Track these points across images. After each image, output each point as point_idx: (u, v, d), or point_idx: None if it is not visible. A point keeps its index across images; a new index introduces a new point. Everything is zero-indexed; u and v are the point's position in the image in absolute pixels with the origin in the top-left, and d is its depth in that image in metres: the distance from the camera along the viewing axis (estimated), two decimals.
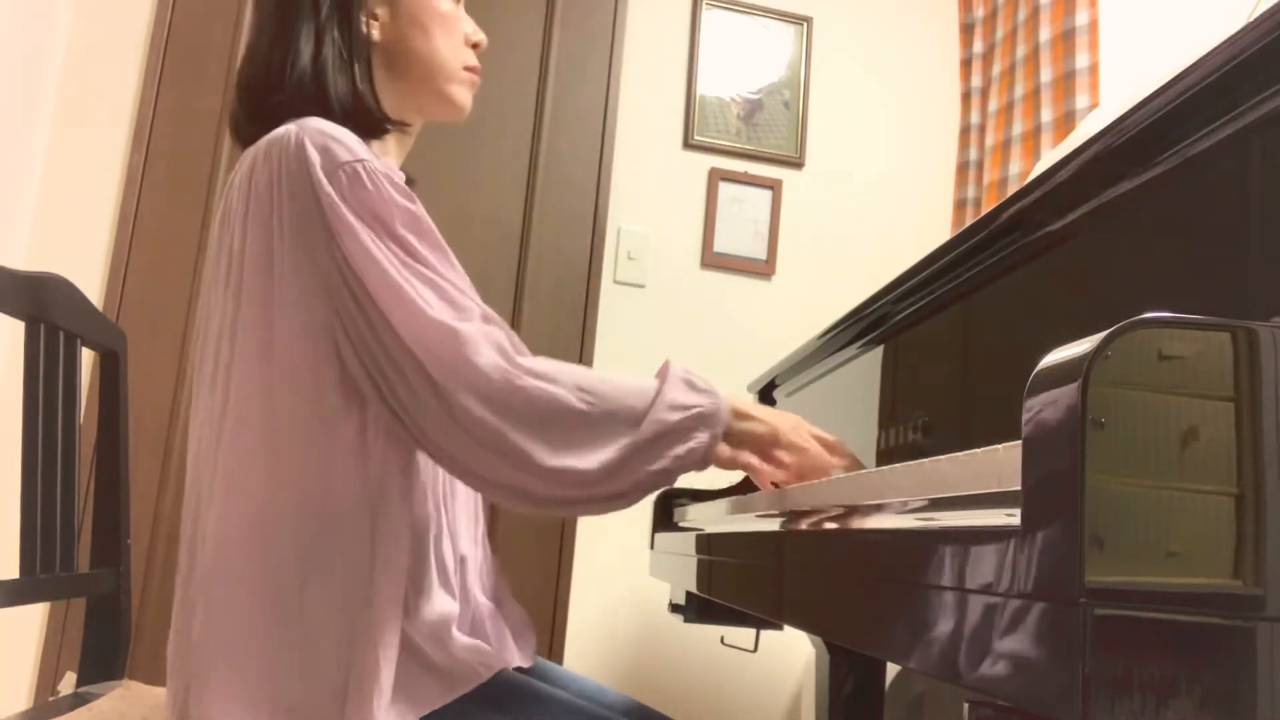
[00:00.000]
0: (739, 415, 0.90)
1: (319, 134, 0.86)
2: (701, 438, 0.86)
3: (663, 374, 0.88)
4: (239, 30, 2.06)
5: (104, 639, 1.15)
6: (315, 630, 0.82)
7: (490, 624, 0.97)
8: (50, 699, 1.05)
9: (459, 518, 0.98)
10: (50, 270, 1.05)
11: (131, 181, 1.98)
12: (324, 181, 0.84)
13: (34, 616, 1.86)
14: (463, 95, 1.05)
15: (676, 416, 0.85)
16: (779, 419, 0.93)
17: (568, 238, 2.15)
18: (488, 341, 0.82)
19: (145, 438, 1.90)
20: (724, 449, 0.89)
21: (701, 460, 0.87)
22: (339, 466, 0.84)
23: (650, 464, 0.84)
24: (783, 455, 0.93)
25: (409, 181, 1.10)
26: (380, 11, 1.00)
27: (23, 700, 1.85)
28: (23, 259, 1.91)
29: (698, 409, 0.86)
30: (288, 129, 0.87)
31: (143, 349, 1.90)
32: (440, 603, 0.90)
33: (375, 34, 1.00)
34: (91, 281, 1.95)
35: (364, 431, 0.86)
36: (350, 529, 0.84)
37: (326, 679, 0.81)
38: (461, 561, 0.96)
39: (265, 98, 0.95)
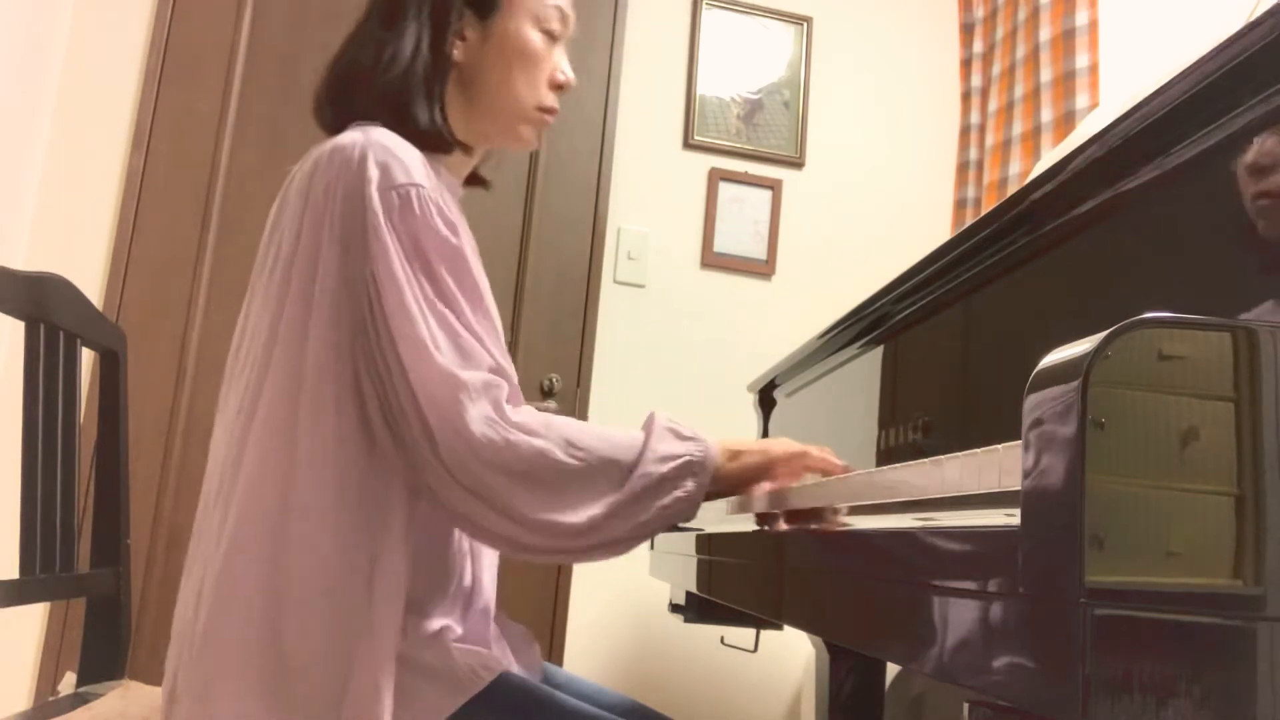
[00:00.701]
0: (731, 456, 0.91)
1: (383, 149, 0.86)
2: (689, 486, 0.87)
3: (648, 425, 0.89)
4: (239, 30, 2.06)
5: (104, 639, 1.15)
6: (315, 649, 0.81)
7: (491, 634, 0.98)
8: (50, 699, 1.06)
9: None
10: (50, 270, 1.05)
11: (131, 182, 1.98)
12: (376, 199, 0.84)
13: (34, 616, 1.86)
14: (529, 135, 1.04)
15: (664, 468, 0.86)
16: (770, 444, 0.94)
17: (568, 238, 2.15)
18: (486, 395, 0.82)
19: (145, 438, 1.90)
20: (725, 485, 0.90)
21: (690, 508, 0.88)
22: (350, 482, 0.84)
23: (638, 516, 0.85)
24: (785, 471, 0.94)
25: (478, 181, 1.11)
26: (470, 35, 0.99)
27: (23, 700, 1.85)
28: (23, 259, 1.91)
29: (685, 457, 0.87)
30: (354, 138, 0.87)
31: (143, 349, 1.90)
32: (443, 615, 0.90)
33: (458, 55, 0.99)
34: (91, 281, 1.95)
35: (376, 451, 0.85)
36: (356, 550, 0.84)
37: (325, 701, 0.81)
38: (475, 581, 0.97)
39: (352, 94, 0.96)
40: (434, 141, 0.96)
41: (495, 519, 0.83)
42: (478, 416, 0.81)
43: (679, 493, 0.86)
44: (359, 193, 0.84)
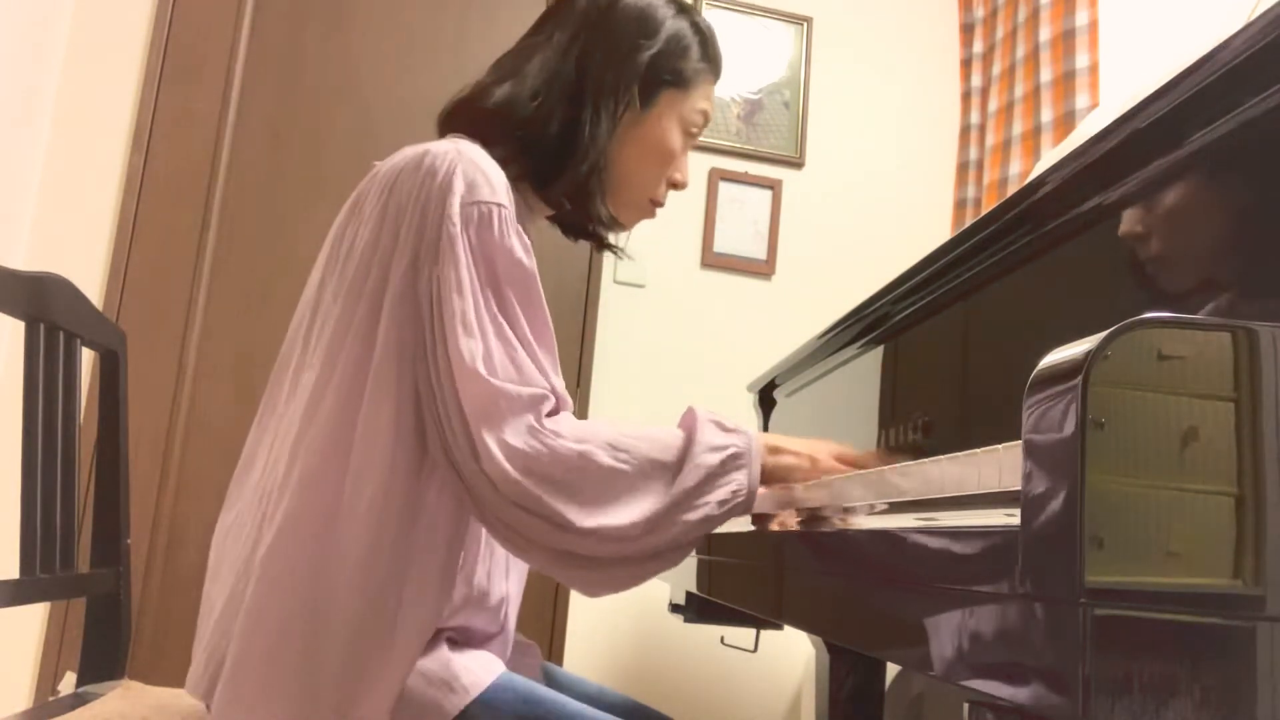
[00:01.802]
0: (773, 450, 0.90)
1: (473, 165, 0.87)
2: (739, 479, 0.85)
3: (690, 420, 0.87)
4: (239, 30, 2.06)
5: (104, 639, 1.15)
6: (342, 635, 0.82)
7: (496, 643, 0.98)
8: (50, 699, 1.06)
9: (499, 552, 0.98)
10: (50, 270, 1.05)
11: (131, 182, 1.98)
12: (456, 210, 0.84)
13: (34, 616, 1.86)
14: (633, 221, 1.05)
15: (713, 459, 0.84)
16: (812, 448, 0.92)
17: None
18: (530, 408, 0.81)
19: (145, 438, 1.90)
20: (767, 480, 0.89)
21: (745, 502, 0.86)
22: (398, 489, 0.84)
23: (691, 512, 0.82)
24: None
25: (604, 245, 1.12)
26: (626, 116, 0.99)
27: (23, 700, 1.85)
28: (23, 259, 1.91)
29: (731, 448, 0.85)
30: (446, 148, 0.88)
31: (143, 349, 1.90)
32: (454, 619, 0.90)
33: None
34: (91, 281, 1.95)
35: (425, 459, 0.85)
36: (397, 547, 0.84)
37: (341, 686, 0.81)
38: (502, 600, 0.97)
39: (506, 130, 0.95)
40: (561, 206, 0.98)
41: (544, 530, 0.81)
42: (518, 427, 0.80)
43: (733, 485, 0.84)
44: (442, 201, 0.85)
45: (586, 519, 0.80)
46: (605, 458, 0.82)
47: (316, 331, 0.90)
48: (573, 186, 0.97)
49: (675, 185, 1.05)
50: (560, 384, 0.87)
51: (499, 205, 0.86)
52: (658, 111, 1.00)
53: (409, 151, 0.90)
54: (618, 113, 0.97)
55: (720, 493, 0.84)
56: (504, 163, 0.92)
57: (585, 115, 0.96)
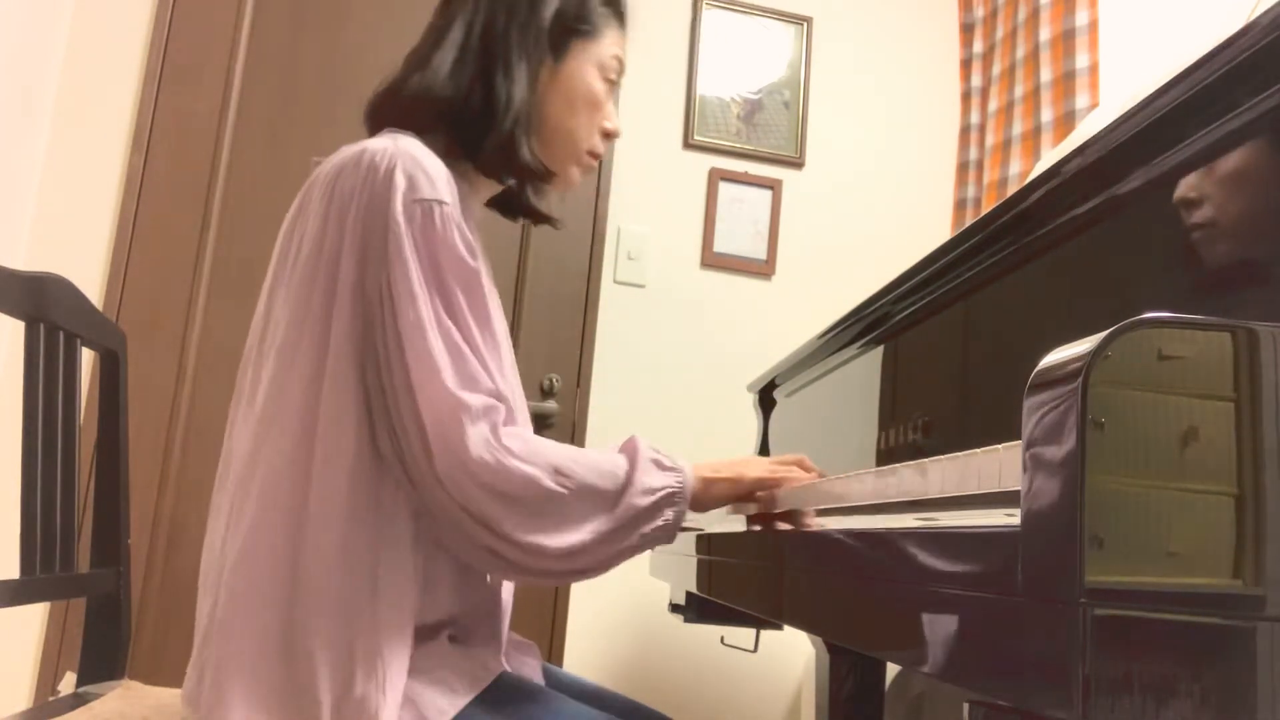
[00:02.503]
0: (706, 484, 0.95)
1: (412, 161, 0.87)
2: (668, 515, 0.91)
3: (631, 454, 0.91)
4: (239, 30, 2.06)
5: (104, 639, 1.15)
6: (323, 649, 0.82)
7: (492, 643, 0.98)
8: (50, 699, 1.06)
9: None
10: (50, 270, 1.05)
11: (131, 182, 1.98)
12: (399, 209, 0.85)
13: (34, 616, 1.86)
14: (575, 176, 1.07)
15: (647, 501, 0.89)
16: (742, 467, 0.98)
17: (568, 238, 2.15)
18: (485, 419, 0.84)
19: (145, 438, 1.90)
20: (700, 509, 0.95)
21: (669, 536, 0.92)
22: (363, 487, 0.85)
23: (620, 543, 0.89)
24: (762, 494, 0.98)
25: (542, 219, 1.15)
26: (543, 73, 1.01)
27: (23, 700, 1.85)
28: (23, 259, 1.91)
29: (666, 489, 0.91)
30: (384, 145, 0.88)
31: (143, 349, 1.90)
32: (442, 617, 0.90)
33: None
34: (91, 281, 1.95)
35: (384, 458, 0.86)
36: (365, 548, 0.84)
37: (326, 690, 0.81)
38: (487, 587, 0.98)
39: (421, 109, 0.97)
40: (498, 163, 0.98)
41: (484, 534, 0.85)
42: (476, 439, 0.83)
43: (659, 522, 0.90)
44: (384, 200, 0.85)
45: (522, 534, 0.84)
46: (549, 481, 0.85)
47: (270, 335, 0.90)
48: (498, 142, 0.98)
49: (608, 134, 1.07)
50: (505, 383, 0.90)
51: (440, 202, 0.87)
52: (573, 63, 1.02)
53: (347, 151, 0.91)
54: (531, 69, 0.99)
55: (646, 527, 0.90)
56: (442, 149, 0.93)
57: (499, 79, 0.97)
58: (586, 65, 1.03)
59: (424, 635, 0.88)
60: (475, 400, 0.84)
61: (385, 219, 0.85)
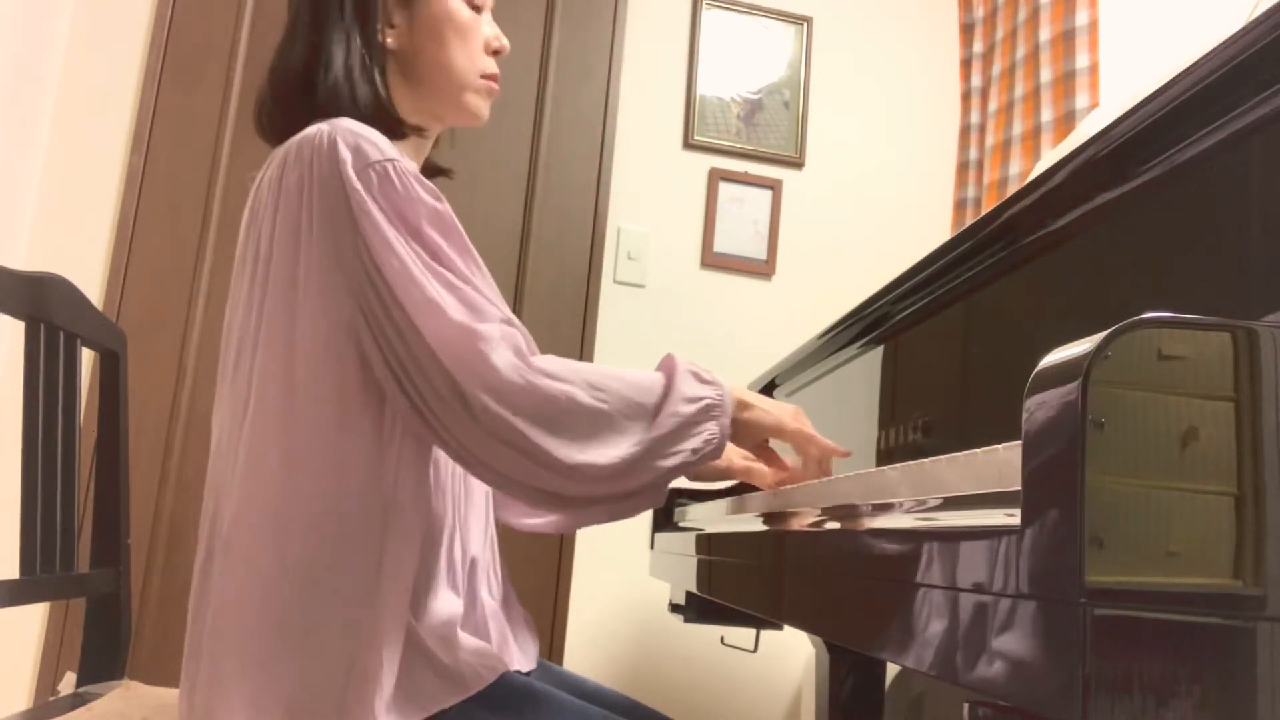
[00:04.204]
0: (742, 405, 0.94)
1: (351, 133, 0.87)
2: (712, 428, 0.88)
3: (669, 367, 0.90)
4: (239, 30, 2.06)
5: (104, 639, 1.15)
6: (320, 626, 0.82)
7: (493, 625, 0.97)
8: (50, 699, 1.05)
9: (471, 519, 0.99)
10: (50, 270, 1.05)
11: (131, 181, 1.98)
12: (354, 179, 0.85)
13: (34, 616, 1.86)
14: (479, 104, 1.05)
15: (689, 409, 0.87)
16: (780, 408, 0.96)
17: (568, 238, 2.15)
18: (505, 343, 0.82)
19: (145, 438, 1.90)
20: (737, 433, 0.93)
21: (716, 449, 0.89)
22: (354, 466, 0.85)
23: (667, 458, 0.86)
24: (789, 445, 0.96)
25: (438, 171, 1.12)
26: (398, 20, 1.01)
27: (23, 700, 1.85)
28: (23, 259, 1.91)
29: (706, 400, 0.89)
30: (319, 128, 0.88)
31: (143, 349, 1.90)
32: (447, 603, 0.90)
33: (391, 42, 1.00)
34: (91, 281, 1.95)
35: (380, 432, 0.86)
36: (361, 528, 0.84)
37: (327, 676, 0.81)
38: (472, 563, 0.97)
39: (297, 99, 0.96)
40: (383, 126, 0.96)
41: (532, 469, 0.82)
42: (503, 363, 0.81)
43: (704, 434, 0.88)
44: (336, 176, 0.85)
45: (567, 456, 0.82)
46: (586, 397, 0.83)
47: (235, 343, 0.91)
48: (383, 95, 0.97)
49: (497, 51, 1.06)
50: (508, 311, 0.88)
51: (389, 160, 0.86)
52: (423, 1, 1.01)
53: (282, 150, 0.91)
54: (377, 13, 0.98)
55: (694, 440, 0.87)
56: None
57: (352, 31, 0.97)
58: None
59: (433, 617, 0.87)
60: (489, 329, 0.82)
61: (342, 190, 0.84)
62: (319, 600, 0.82)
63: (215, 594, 0.84)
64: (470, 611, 0.95)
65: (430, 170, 1.12)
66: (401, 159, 0.87)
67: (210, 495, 0.90)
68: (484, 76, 1.05)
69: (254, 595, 0.83)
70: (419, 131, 1.02)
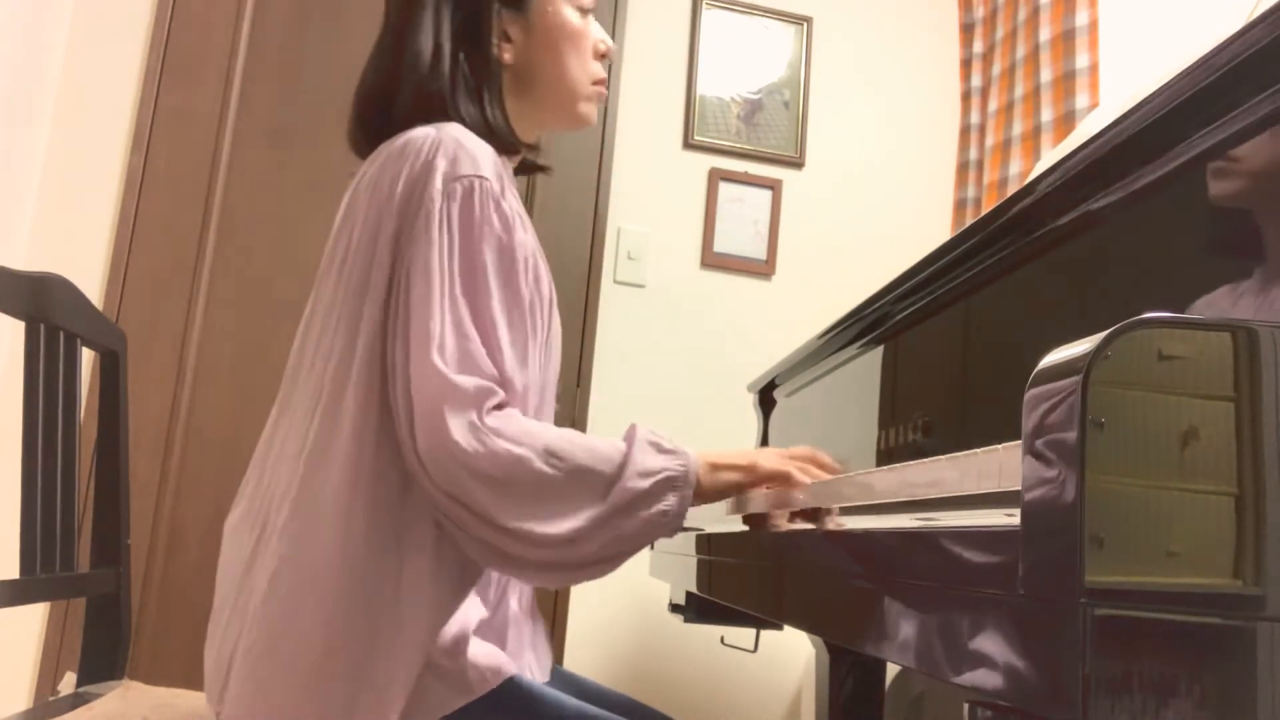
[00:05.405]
0: (713, 468, 0.90)
1: (455, 142, 0.87)
2: (670, 500, 0.85)
3: (629, 438, 0.87)
4: (239, 30, 2.06)
5: (104, 639, 1.15)
6: (349, 637, 0.82)
7: (513, 631, 0.98)
8: (50, 699, 1.05)
9: None
10: (50, 270, 1.05)
11: (131, 181, 1.98)
12: (439, 187, 0.85)
13: (34, 616, 1.85)
14: (590, 111, 1.06)
15: (644, 484, 0.84)
16: (757, 458, 0.92)
17: (568, 238, 2.15)
18: (472, 401, 0.81)
19: (145, 438, 1.90)
20: (706, 499, 0.89)
21: (673, 523, 0.86)
22: (399, 479, 0.85)
23: (621, 530, 0.83)
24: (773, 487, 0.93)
25: (536, 168, 1.12)
26: (514, 32, 1.00)
27: (23, 700, 1.85)
28: (23, 259, 1.91)
29: (665, 472, 0.86)
30: (427, 131, 0.88)
31: (143, 349, 1.90)
32: (464, 611, 0.90)
33: (507, 57, 0.99)
34: (91, 281, 1.94)
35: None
36: (388, 541, 0.84)
37: (344, 685, 0.81)
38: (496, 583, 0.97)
39: (389, 116, 0.95)
40: (494, 144, 0.95)
41: (477, 525, 0.82)
42: (458, 422, 0.80)
43: (661, 507, 0.85)
44: (424, 180, 0.85)
45: (513, 521, 0.81)
46: (539, 463, 0.82)
47: (314, 339, 0.90)
48: (498, 112, 0.97)
49: (603, 55, 1.06)
50: (520, 368, 0.87)
51: (480, 178, 0.86)
52: (539, 5, 1.00)
53: (387, 147, 0.90)
54: (490, 27, 0.97)
55: (646, 513, 0.84)
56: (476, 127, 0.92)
57: (459, 45, 0.96)
58: (555, 4, 1.01)
59: (447, 636, 0.87)
60: (467, 382, 0.81)
61: (423, 198, 0.85)
62: (345, 611, 0.82)
63: (259, 587, 0.84)
64: (493, 616, 0.95)
65: (529, 168, 1.11)
66: (492, 179, 0.87)
67: (264, 483, 0.89)
68: (595, 83, 1.05)
69: (293, 596, 0.83)
70: (529, 148, 1.03)
